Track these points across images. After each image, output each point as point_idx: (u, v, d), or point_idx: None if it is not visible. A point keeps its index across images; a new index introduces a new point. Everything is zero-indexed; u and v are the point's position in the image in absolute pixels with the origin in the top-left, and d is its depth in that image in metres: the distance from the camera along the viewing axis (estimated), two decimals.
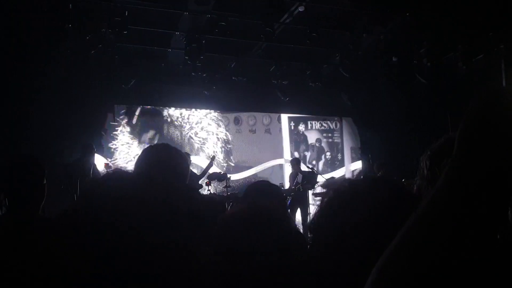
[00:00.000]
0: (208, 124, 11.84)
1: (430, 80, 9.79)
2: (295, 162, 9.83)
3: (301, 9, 8.13)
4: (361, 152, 12.44)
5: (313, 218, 1.08)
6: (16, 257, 1.73)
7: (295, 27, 8.97)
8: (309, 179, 9.36)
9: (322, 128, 12.71)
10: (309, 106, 12.03)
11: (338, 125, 12.79)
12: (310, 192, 9.35)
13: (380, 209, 0.91)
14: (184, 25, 8.80)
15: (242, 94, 11.04)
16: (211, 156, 10.14)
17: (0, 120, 7.68)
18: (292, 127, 12.49)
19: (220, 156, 11.71)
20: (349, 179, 1.08)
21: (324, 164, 12.57)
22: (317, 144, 12.67)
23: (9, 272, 1.71)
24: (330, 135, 12.75)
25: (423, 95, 10.17)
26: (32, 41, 8.09)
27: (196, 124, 11.73)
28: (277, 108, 11.95)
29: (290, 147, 12.38)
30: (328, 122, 12.71)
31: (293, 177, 9.63)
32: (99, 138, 10.37)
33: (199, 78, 10.28)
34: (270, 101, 11.47)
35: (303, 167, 10.22)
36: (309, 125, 12.64)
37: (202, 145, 11.71)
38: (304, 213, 9.21)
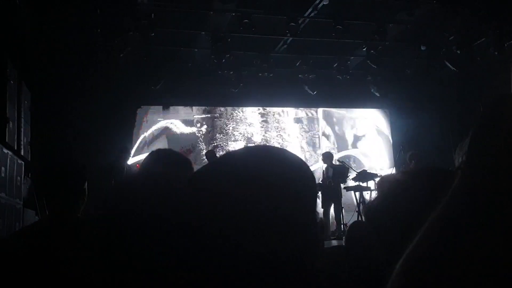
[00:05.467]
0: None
1: (460, 68, 9.58)
2: (327, 156, 9.73)
3: (325, 2, 8.05)
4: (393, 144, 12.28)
5: (369, 207, 1.08)
6: (57, 259, 1.80)
7: (320, 20, 8.91)
8: (340, 173, 9.29)
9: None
10: (337, 99, 11.95)
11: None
12: (342, 185, 9.28)
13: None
14: (209, 25, 8.86)
15: (269, 90, 11.05)
16: None
17: (36, 125, 7.90)
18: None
19: None
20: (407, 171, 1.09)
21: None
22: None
23: (51, 273, 1.78)
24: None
25: (454, 83, 9.97)
26: (62, 47, 8.29)
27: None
28: (306, 102, 11.91)
29: None
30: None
31: (326, 171, 9.53)
32: (129, 139, 10.58)
33: (226, 76, 10.34)
34: (298, 96, 11.44)
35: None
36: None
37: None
38: (337, 208, 9.14)
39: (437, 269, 0.52)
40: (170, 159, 2.00)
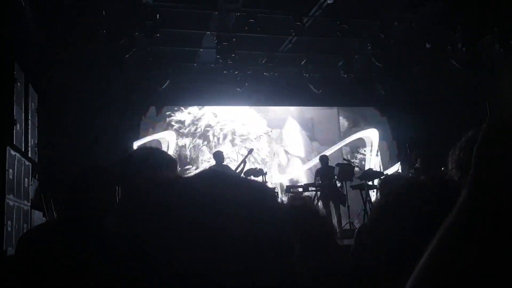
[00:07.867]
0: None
1: (465, 65, 9.54)
2: (323, 159, 9.79)
3: (330, 1, 8.05)
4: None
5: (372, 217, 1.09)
6: (73, 259, 1.81)
7: (325, 19, 8.90)
8: (346, 171, 9.29)
9: None
10: (343, 98, 11.94)
11: None
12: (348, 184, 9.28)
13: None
14: (214, 25, 8.87)
15: (274, 89, 11.06)
16: (248, 150, 10.14)
17: (43, 127, 7.95)
18: None
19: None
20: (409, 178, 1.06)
21: None
22: None
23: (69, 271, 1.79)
24: None
25: (459, 81, 9.93)
26: (68, 49, 8.32)
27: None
28: (310, 101, 11.91)
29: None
30: None
31: (316, 173, 9.59)
32: (136, 140, 10.62)
33: (231, 76, 10.36)
34: (303, 95, 11.44)
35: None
36: None
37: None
38: (338, 206, 9.11)
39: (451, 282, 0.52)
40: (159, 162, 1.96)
